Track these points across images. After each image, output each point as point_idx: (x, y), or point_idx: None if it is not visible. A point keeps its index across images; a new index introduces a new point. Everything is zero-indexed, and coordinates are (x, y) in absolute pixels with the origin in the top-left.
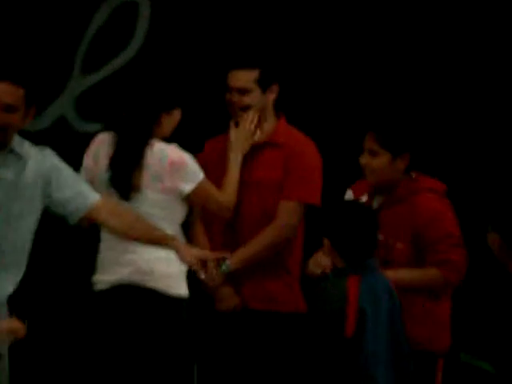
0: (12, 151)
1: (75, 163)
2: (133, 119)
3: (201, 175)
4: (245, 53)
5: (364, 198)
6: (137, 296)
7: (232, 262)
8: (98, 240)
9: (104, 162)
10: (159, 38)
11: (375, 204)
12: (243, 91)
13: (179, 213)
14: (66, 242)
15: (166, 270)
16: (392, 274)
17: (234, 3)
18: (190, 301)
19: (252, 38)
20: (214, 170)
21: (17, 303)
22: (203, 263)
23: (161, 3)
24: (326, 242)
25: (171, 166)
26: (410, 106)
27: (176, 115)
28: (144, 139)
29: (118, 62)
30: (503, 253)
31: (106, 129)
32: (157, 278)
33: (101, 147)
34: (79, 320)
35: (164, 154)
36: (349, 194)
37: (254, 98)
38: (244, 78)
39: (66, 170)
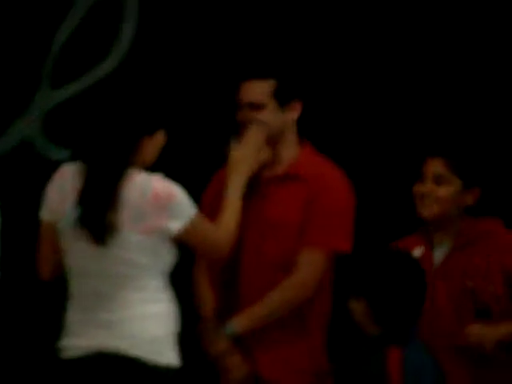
0: None
1: (40, 195)
2: (105, 144)
3: (193, 210)
4: (258, 60)
5: (418, 251)
6: (115, 366)
7: (240, 323)
8: (64, 296)
9: (71, 198)
10: (148, 42)
11: (438, 254)
12: (256, 106)
13: (167, 259)
14: (27, 298)
15: (151, 333)
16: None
17: None
18: (188, 372)
19: (268, 43)
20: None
21: None
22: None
23: None
24: (356, 303)
25: (156, 200)
26: (483, 132)
27: (159, 138)
28: (120, 168)
29: (96, 72)
30: None
31: (73, 157)
32: (139, 343)
33: (66, 181)
34: None
35: (147, 186)
36: None
37: (269, 114)
38: (257, 90)
39: None
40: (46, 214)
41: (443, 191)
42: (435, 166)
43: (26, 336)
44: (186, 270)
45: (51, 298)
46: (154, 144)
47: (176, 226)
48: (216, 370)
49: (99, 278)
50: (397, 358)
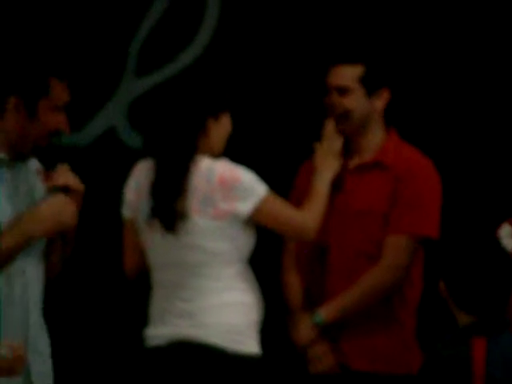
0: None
1: (124, 184)
2: (170, 129)
3: (263, 190)
4: (349, 45)
5: None
6: (195, 355)
7: (327, 312)
8: (148, 287)
9: (146, 192)
10: (232, 30)
11: None
12: (343, 91)
13: (244, 244)
14: (113, 291)
15: (230, 321)
16: None
17: None
18: (274, 361)
19: (359, 28)
20: None
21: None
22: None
23: None
24: (442, 286)
25: (222, 184)
26: None
27: (225, 122)
28: (186, 154)
29: (181, 60)
30: None
31: (144, 147)
32: (217, 331)
33: (141, 176)
34: (131, 381)
35: (211, 171)
36: (506, 230)
37: (356, 100)
38: (344, 74)
39: None
40: (126, 211)
41: None
42: None
43: (116, 327)
44: (276, 259)
45: (139, 289)
46: (220, 128)
47: (246, 207)
48: (304, 360)
49: (175, 268)
50: (482, 348)
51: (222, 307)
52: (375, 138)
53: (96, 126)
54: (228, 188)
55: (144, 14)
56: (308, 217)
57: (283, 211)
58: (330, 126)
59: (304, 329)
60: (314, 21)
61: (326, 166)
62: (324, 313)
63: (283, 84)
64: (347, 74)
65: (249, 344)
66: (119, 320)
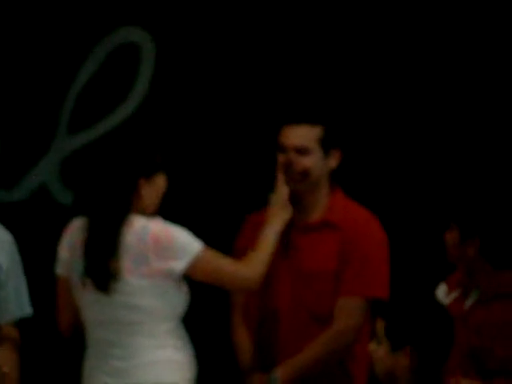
0: None
1: (57, 241)
2: (103, 190)
3: (197, 247)
4: (308, 106)
5: (455, 294)
6: None
7: (284, 373)
8: (83, 346)
9: (79, 250)
10: (166, 87)
11: (469, 300)
12: (302, 151)
13: (177, 301)
14: (47, 349)
15: (163, 379)
16: None
17: (277, 39)
18: None
19: (315, 89)
20: None
21: None
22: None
23: (170, 43)
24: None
25: (155, 243)
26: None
27: (158, 183)
28: (118, 214)
29: (113, 118)
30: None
31: (74, 205)
32: None
33: (74, 235)
34: None
35: (145, 231)
36: (442, 289)
37: (315, 160)
38: (305, 135)
39: (19, 264)
40: (59, 269)
41: (448, 237)
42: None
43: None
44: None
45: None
46: (153, 188)
47: (180, 265)
48: None
49: (108, 326)
50: None
51: (155, 365)
52: (323, 197)
53: (28, 182)
54: (161, 247)
55: (76, 72)
56: (249, 267)
57: (220, 265)
58: (280, 178)
59: None
60: (259, 81)
61: (278, 216)
62: (280, 374)
63: (220, 142)
64: (307, 135)
65: None
66: (54, 378)
